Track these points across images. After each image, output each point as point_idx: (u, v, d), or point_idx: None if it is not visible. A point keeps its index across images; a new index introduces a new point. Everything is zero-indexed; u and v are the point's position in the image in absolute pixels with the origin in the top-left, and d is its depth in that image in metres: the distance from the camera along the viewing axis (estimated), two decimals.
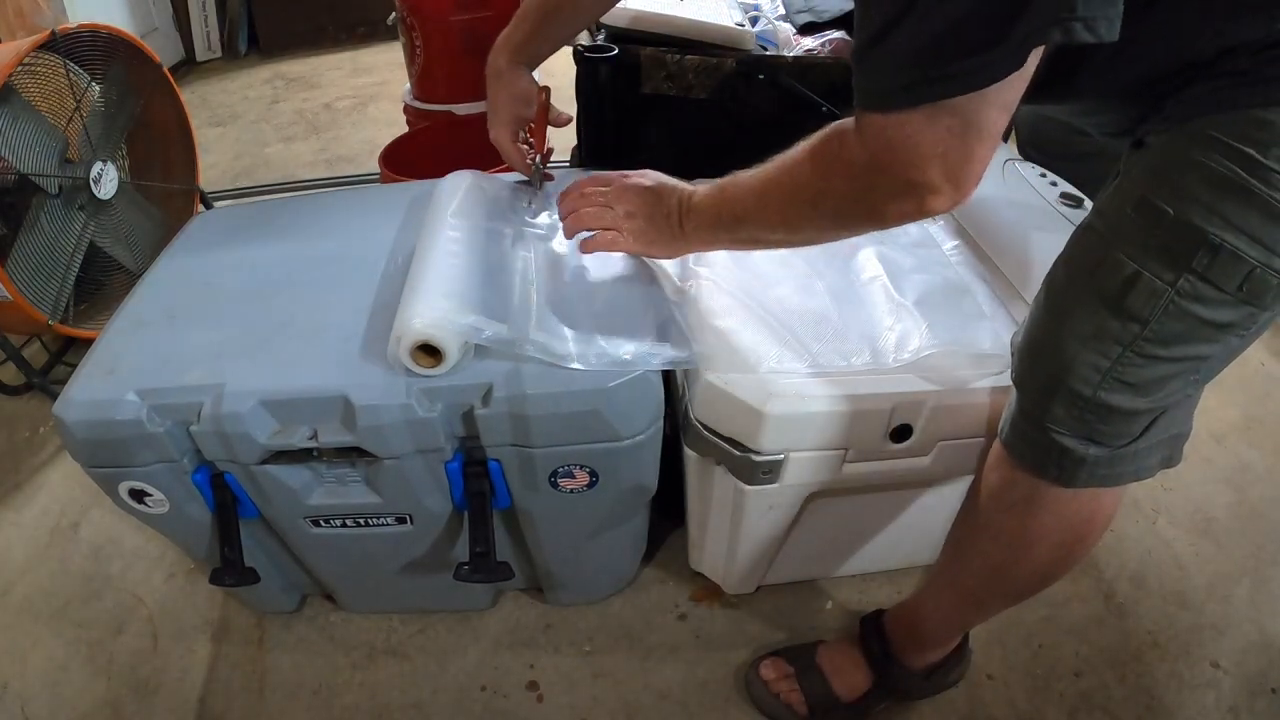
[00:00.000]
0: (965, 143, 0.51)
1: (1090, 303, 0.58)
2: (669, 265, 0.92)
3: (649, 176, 0.82)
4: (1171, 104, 0.55)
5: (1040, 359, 0.62)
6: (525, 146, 0.99)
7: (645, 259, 0.90)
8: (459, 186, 0.95)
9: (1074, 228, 0.93)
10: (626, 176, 0.82)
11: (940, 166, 0.52)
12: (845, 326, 0.85)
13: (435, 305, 0.75)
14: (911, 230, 1.03)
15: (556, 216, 0.97)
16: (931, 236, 1.02)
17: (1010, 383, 0.68)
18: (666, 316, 0.83)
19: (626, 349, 0.77)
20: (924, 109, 0.50)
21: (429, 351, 0.75)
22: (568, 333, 0.78)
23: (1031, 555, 0.71)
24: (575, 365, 0.75)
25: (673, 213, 0.78)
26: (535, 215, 0.97)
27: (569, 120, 0.98)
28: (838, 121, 0.59)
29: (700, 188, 0.77)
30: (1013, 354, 0.67)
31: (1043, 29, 0.45)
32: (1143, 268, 0.54)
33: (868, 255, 0.95)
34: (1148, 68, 0.56)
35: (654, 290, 0.87)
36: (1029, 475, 0.66)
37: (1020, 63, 0.47)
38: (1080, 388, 0.59)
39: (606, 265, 0.89)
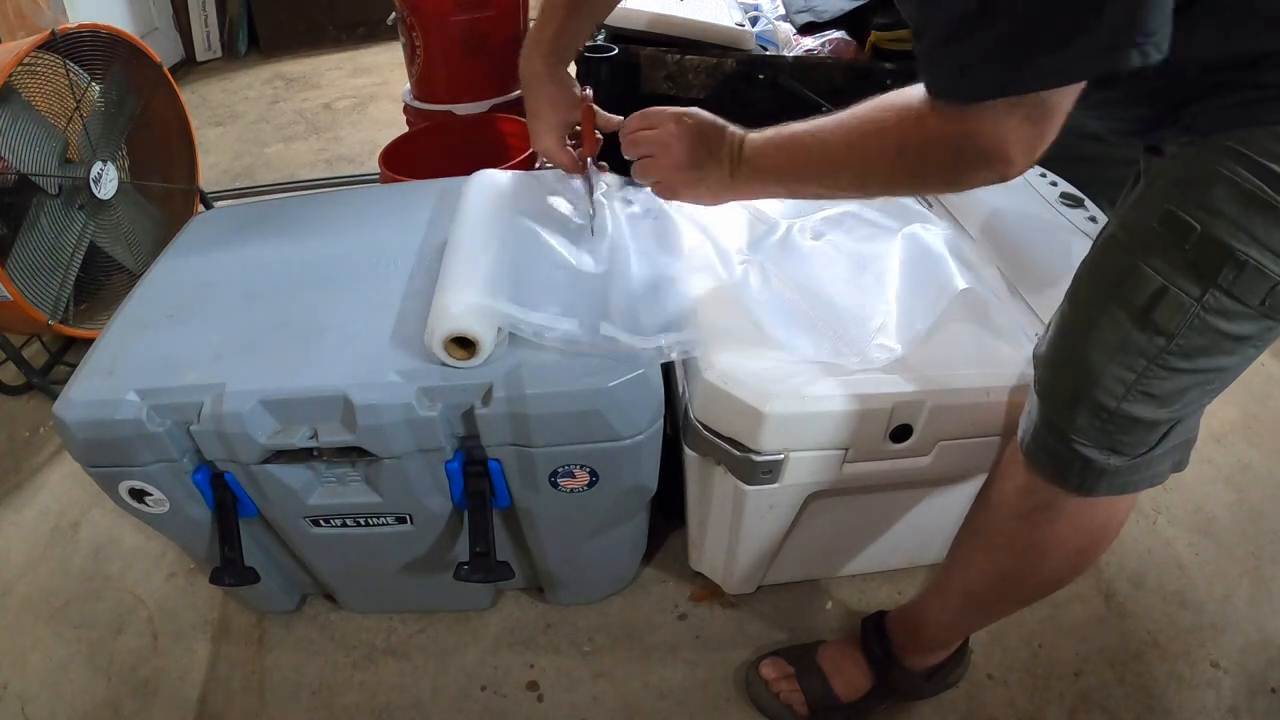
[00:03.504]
0: (1042, 126, 0.53)
1: (1116, 316, 0.58)
2: (727, 253, 0.92)
3: (692, 117, 0.78)
4: (1192, 113, 0.55)
5: (1065, 371, 0.63)
6: (573, 150, 0.96)
7: (703, 243, 0.91)
8: (503, 181, 0.95)
9: (1073, 227, 0.94)
10: (673, 120, 0.79)
11: (1020, 145, 0.54)
12: (890, 313, 0.85)
13: (472, 298, 0.75)
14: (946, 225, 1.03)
15: (610, 209, 0.96)
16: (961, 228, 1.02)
17: (1020, 388, 0.68)
18: (722, 307, 0.84)
19: (689, 339, 0.79)
20: (1005, 100, 0.52)
21: (462, 344, 0.75)
22: (636, 326, 0.79)
23: (1045, 562, 0.71)
24: (646, 358, 0.77)
25: (723, 161, 0.76)
26: (592, 209, 0.95)
27: (619, 124, 0.95)
28: (906, 96, 0.59)
29: (751, 136, 0.75)
30: (1035, 365, 0.67)
31: (1121, 49, 0.46)
32: (1170, 282, 0.55)
33: (906, 243, 0.94)
34: (1167, 72, 0.55)
35: (708, 280, 0.87)
36: (1048, 484, 0.66)
37: (1097, 71, 0.49)
38: (1105, 400, 0.60)
39: (662, 256, 0.89)
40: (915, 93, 0.58)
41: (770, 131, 0.73)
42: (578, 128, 0.94)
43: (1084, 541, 0.70)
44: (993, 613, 0.84)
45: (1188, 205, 0.54)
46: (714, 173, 0.76)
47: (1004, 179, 0.57)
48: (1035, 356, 0.67)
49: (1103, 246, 0.61)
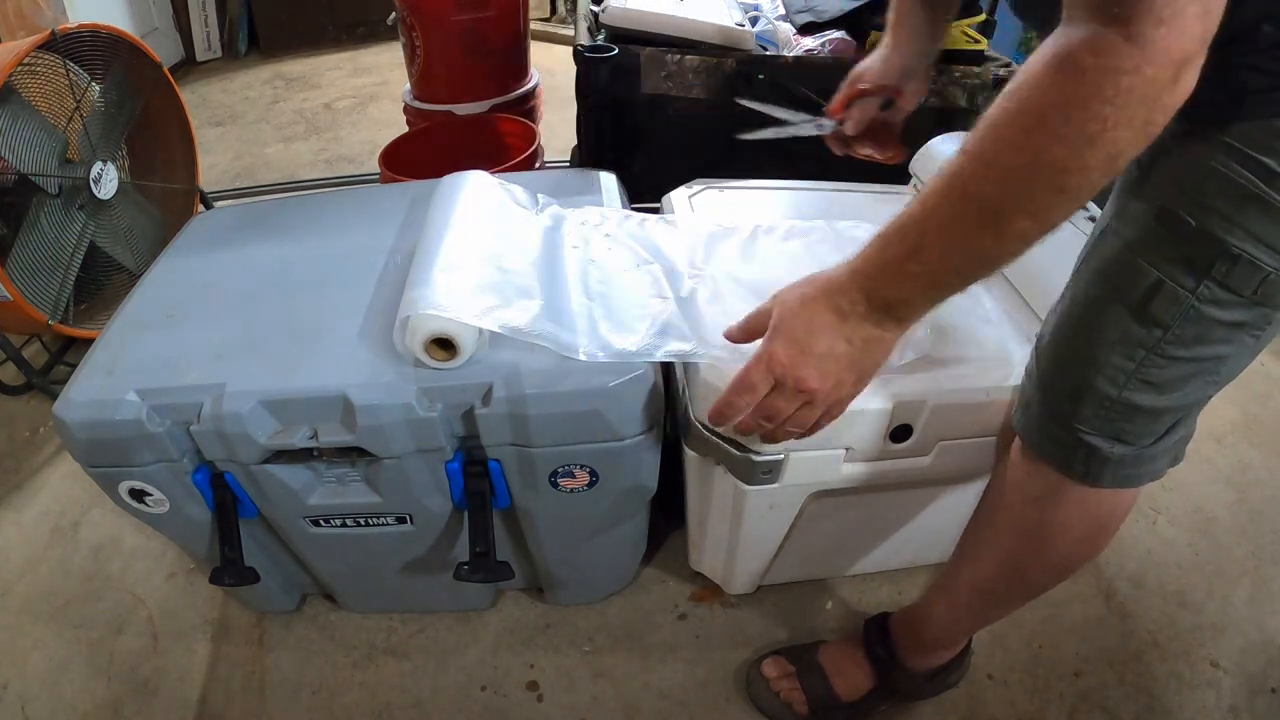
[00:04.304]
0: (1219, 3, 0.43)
1: (1115, 308, 0.59)
2: (675, 261, 0.92)
3: (782, 328, 0.61)
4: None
5: (1068, 362, 0.64)
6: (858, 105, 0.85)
7: (650, 255, 0.91)
8: (465, 184, 0.95)
9: (1072, 226, 0.93)
10: (764, 359, 0.62)
11: (1201, 27, 0.43)
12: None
13: (448, 298, 0.75)
14: None
15: (564, 212, 0.96)
16: None
17: (1019, 384, 0.68)
18: (671, 311, 0.83)
19: (630, 341, 0.77)
20: None
21: (443, 345, 0.75)
22: (575, 324, 0.79)
23: (1051, 547, 0.72)
24: (580, 356, 0.75)
25: (850, 320, 0.58)
26: (542, 210, 0.97)
27: (896, 158, 0.83)
28: (1028, 78, 0.46)
29: (853, 265, 0.58)
30: (1037, 356, 0.68)
31: None
32: (1165, 276, 0.56)
33: None
34: None
35: (659, 286, 0.87)
36: (1054, 471, 0.67)
37: None
38: (1107, 388, 0.61)
39: (613, 260, 0.89)
40: (1042, 60, 0.46)
41: (870, 244, 0.57)
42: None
43: (1089, 529, 0.70)
44: (998, 606, 0.84)
45: (1183, 202, 0.55)
46: (856, 345, 0.59)
47: (1180, 101, 0.45)
48: (1037, 349, 0.68)
49: (1100, 240, 0.62)
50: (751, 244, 0.98)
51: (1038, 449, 0.68)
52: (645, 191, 1.17)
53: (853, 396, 0.64)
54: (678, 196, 1.10)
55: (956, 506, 0.98)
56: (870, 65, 0.84)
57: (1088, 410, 0.62)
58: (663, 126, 1.38)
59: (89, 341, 0.89)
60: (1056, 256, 0.94)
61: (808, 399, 0.62)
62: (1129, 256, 0.58)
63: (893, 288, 0.56)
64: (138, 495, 0.84)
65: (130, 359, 0.82)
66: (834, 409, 0.64)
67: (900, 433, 0.82)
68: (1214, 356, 0.59)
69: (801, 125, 0.87)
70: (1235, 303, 0.55)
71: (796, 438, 0.67)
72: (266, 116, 2.79)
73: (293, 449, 0.79)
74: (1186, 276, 0.55)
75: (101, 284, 1.48)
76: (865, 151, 0.88)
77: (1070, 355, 0.63)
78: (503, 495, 0.85)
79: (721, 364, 0.80)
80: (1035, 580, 0.78)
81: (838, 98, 0.85)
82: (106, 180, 1.41)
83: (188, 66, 3.23)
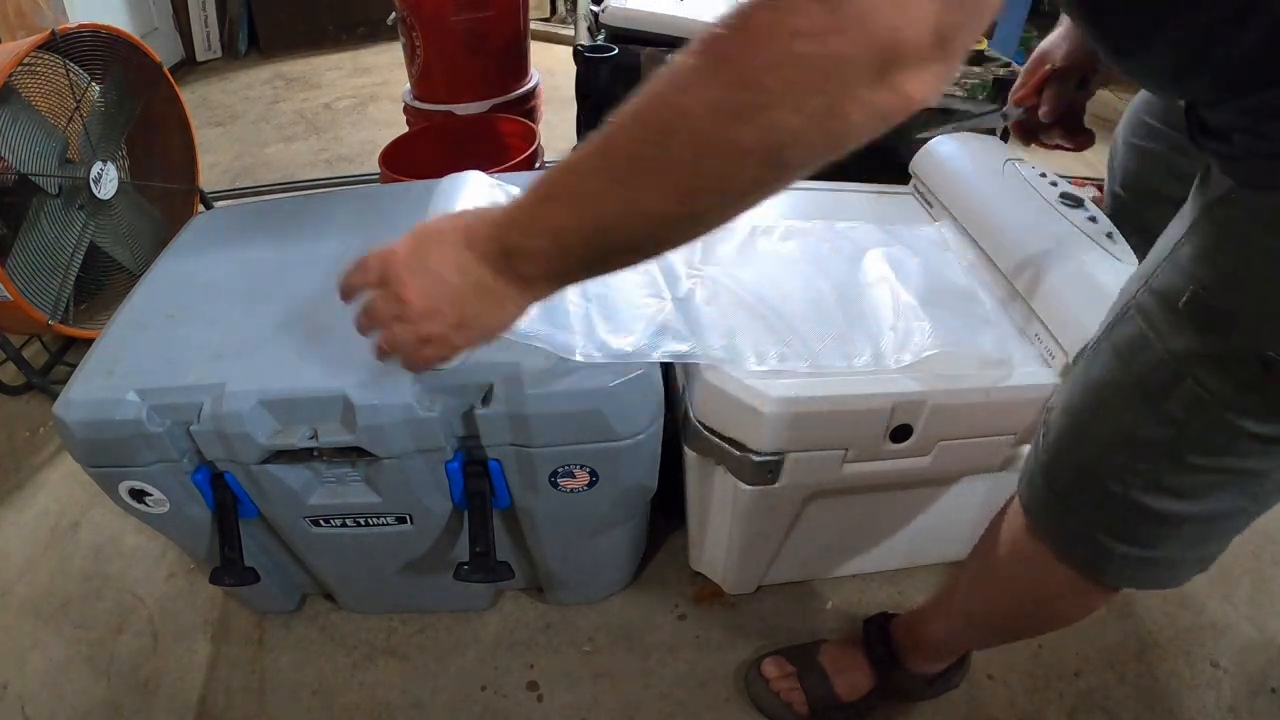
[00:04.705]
0: None
1: (1128, 400, 0.53)
2: (672, 261, 0.92)
3: (418, 228, 0.55)
4: (1242, 135, 0.44)
5: (1073, 445, 0.58)
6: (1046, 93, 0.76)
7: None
8: (463, 185, 0.95)
9: (1073, 228, 0.93)
10: (379, 257, 0.56)
11: (934, 17, 0.33)
12: (849, 326, 0.85)
13: None
14: (927, 231, 1.03)
15: None
16: (942, 236, 1.02)
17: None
18: (669, 311, 0.83)
19: (627, 342, 0.77)
20: None
21: None
22: (572, 325, 0.78)
23: (1042, 612, 0.70)
24: (577, 357, 0.75)
25: (471, 253, 0.52)
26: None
27: (1086, 144, 0.75)
28: (722, 12, 0.37)
29: (506, 206, 0.50)
30: (1046, 426, 0.62)
31: None
32: (1188, 372, 0.48)
33: (876, 256, 0.95)
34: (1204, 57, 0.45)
35: (657, 286, 0.87)
36: (1051, 556, 0.62)
37: None
38: (1112, 485, 0.55)
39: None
40: (722, 12, 0.37)
41: (520, 196, 0.49)
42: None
43: (1083, 605, 0.68)
44: (993, 639, 0.84)
45: (1217, 287, 0.46)
46: (467, 282, 0.52)
47: (904, 99, 0.36)
48: (1047, 418, 0.62)
49: (1122, 317, 0.54)
50: (749, 244, 0.98)
51: (1036, 525, 0.63)
52: None
53: (446, 340, 0.55)
54: None
55: (957, 507, 0.98)
56: (1057, 44, 0.74)
57: (1091, 501, 0.56)
58: None
59: (89, 341, 0.89)
60: (1057, 257, 0.95)
61: (399, 311, 0.54)
62: (1149, 341, 0.50)
63: (518, 234, 0.49)
64: (138, 495, 0.84)
65: (130, 359, 0.82)
66: (427, 347, 0.55)
67: (900, 433, 0.82)
68: (1246, 470, 0.50)
69: (985, 116, 0.80)
70: (1271, 416, 0.46)
71: (403, 365, 0.58)
72: (266, 116, 2.79)
73: (293, 449, 0.79)
74: (1210, 376, 0.47)
75: (101, 284, 1.48)
76: (1056, 140, 0.80)
77: (1076, 437, 0.58)
78: (503, 495, 0.85)
79: (720, 364, 0.80)
80: (1025, 630, 0.77)
81: (1028, 83, 0.76)
82: (106, 180, 1.41)
83: (188, 66, 3.23)
